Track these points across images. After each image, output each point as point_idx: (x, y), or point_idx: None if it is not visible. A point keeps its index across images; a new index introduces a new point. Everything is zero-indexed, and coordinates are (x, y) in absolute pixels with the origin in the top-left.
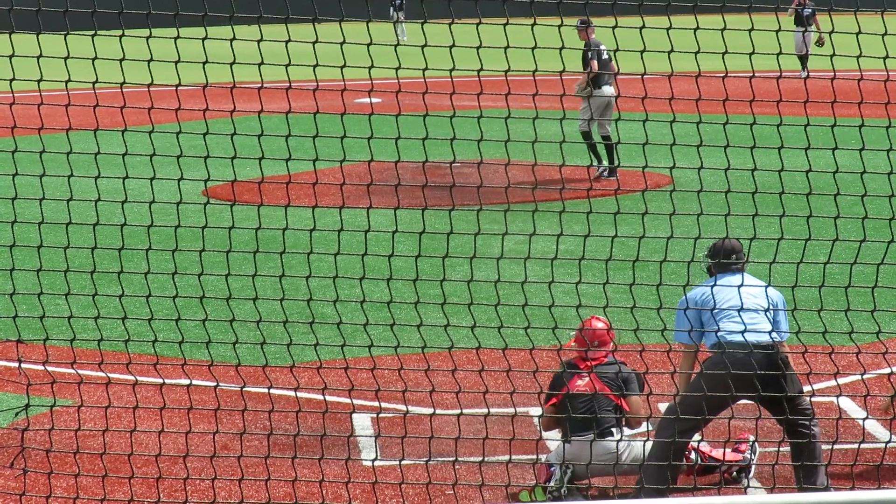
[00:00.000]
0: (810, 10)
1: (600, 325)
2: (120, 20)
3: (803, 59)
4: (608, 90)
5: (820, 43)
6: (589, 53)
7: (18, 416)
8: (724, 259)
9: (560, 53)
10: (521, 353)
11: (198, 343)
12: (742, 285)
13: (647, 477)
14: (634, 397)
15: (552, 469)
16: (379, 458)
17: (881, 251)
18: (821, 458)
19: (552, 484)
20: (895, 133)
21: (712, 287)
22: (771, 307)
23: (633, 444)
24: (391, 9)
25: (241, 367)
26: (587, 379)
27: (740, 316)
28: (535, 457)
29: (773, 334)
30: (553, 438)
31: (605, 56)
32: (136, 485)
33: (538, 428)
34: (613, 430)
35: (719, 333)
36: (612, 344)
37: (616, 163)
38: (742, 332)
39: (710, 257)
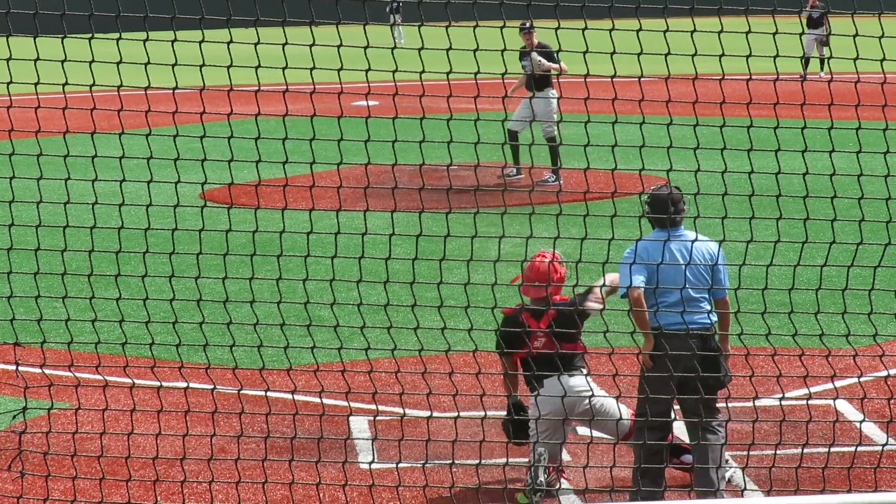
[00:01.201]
0: (818, 13)
1: (546, 261)
2: (117, 23)
3: (807, 61)
4: (553, 92)
5: (823, 42)
6: (554, 54)
7: (16, 418)
8: (664, 212)
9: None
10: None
11: (195, 346)
12: (689, 250)
13: (640, 481)
14: (597, 302)
15: (530, 469)
16: (376, 460)
17: (878, 254)
18: (718, 462)
19: (529, 480)
20: (892, 136)
21: (661, 248)
22: (711, 263)
23: (603, 397)
24: (388, 11)
25: (238, 370)
26: (543, 340)
27: (681, 294)
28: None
29: (711, 316)
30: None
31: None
32: (133, 487)
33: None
34: (579, 371)
35: (660, 318)
36: (558, 279)
37: (559, 164)
38: (682, 315)
39: (650, 206)
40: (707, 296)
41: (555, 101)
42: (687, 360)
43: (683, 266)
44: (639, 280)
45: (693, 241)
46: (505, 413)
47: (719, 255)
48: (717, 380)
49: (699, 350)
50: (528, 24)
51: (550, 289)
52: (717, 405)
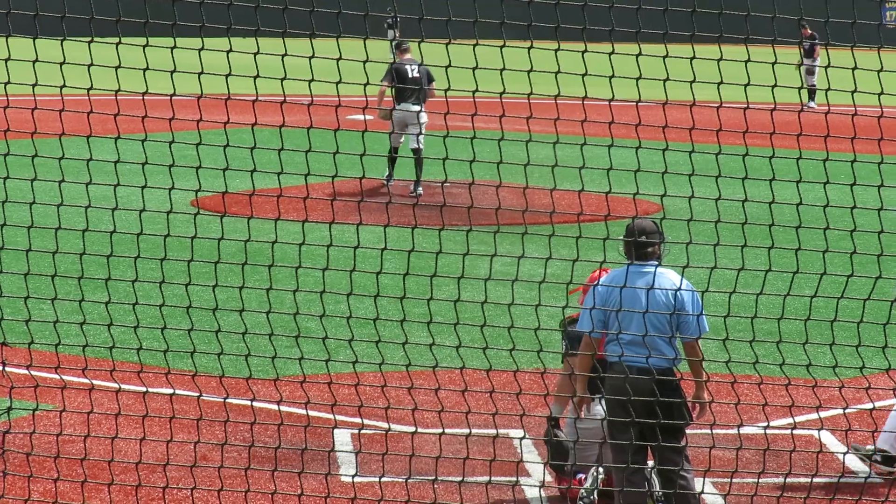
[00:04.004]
0: (808, 44)
1: None
2: (117, 28)
3: (809, 91)
4: (407, 106)
5: (810, 72)
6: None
7: (0, 418)
8: (637, 243)
9: (556, 77)
10: (505, 374)
11: (182, 352)
12: (651, 284)
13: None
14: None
15: (581, 476)
16: (359, 474)
17: (868, 287)
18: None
19: (585, 489)
20: (887, 169)
21: (621, 288)
22: (676, 310)
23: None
24: (386, 27)
25: (224, 378)
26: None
27: (644, 331)
28: (514, 479)
29: (672, 360)
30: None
31: (412, 74)
32: (114, 492)
33: (565, 385)
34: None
35: (614, 355)
36: None
37: (419, 177)
38: (644, 357)
39: (626, 237)
40: (666, 336)
41: (411, 114)
42: (636, 400)
43: (643, 301)
44: (590, 325)
45: (655, 277)
46: (547, 432)
47: (685, 297)
48: (669, 421)
49: (650, 391)
50: (400, 45)
51: None
52: (682, 451)
